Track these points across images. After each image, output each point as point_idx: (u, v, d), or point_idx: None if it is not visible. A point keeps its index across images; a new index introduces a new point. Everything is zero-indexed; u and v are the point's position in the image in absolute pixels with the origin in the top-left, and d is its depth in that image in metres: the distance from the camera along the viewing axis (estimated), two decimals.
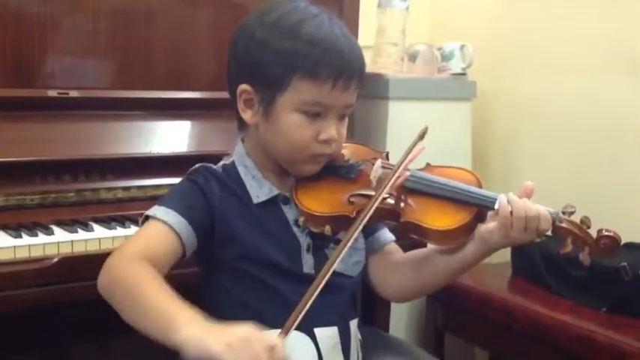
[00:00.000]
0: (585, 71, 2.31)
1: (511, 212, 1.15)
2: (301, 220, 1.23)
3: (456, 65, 2.43)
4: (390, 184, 1.19)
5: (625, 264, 1.86)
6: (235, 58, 1.25)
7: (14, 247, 1.44)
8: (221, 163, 1.29)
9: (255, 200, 1.24)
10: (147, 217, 1.19)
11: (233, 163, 1.28)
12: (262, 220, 1.23)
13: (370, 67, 2.38)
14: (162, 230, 1.16)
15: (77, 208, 1.66)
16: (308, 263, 1.23)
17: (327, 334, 1.23)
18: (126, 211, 1.67)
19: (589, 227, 1.21)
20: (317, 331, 1.22)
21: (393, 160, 1.32)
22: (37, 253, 1.45)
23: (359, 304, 1.79)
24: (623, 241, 1.22)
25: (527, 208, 1.16)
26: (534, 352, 1.97)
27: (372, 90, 2.31)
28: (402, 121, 2.29)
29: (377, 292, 1.34)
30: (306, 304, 1.05)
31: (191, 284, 1.21)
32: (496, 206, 1.19)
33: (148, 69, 1.87)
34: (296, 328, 1.14)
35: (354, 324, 1.30)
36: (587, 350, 1.81)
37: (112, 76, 1.81)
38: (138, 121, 1.79)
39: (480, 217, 1.22)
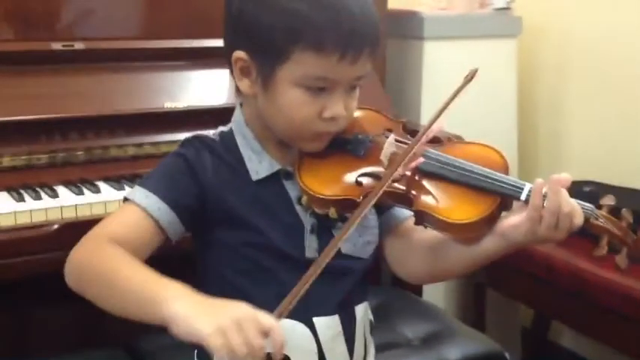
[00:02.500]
0: None
1: (543, 205, 1.00)
2: (304, 199, 1.10)
3: None
4: (400, 166, 1.04)
5: None
6: (229, 18, 1.10)
7: (15, 212, 1.39)
8: (219, 129, 1.17)
9: (254, 177, 1.11)
10: (126, 200, 1.10)
11: (231, 131, 1.16)
12: (261, 197, 1.10)
13: (405, 4, 2.23)
14: (139, 216, 1.05)
15: (87, 166, 1.59)
16: (311, 246, 1.11)
17: (328, 324, 1.12)
18: (139, 169, 1.59)
19: (630, 223, 1.05)
20: (316, 320, 1.10)
21: (424, 123, 1.15)
22: (39, 218, 1.40)
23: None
24: None
25: (563, 202, 1.00)
26: (580, 311, 1.85)
27: (406, 30, 2.16)
28: (439, 63, 2.14)
29: (394, 272, 1.21)
30: (304, 286, 0.95)
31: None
32: (523, 197, 1.03)
33: (159, 15, 1.77)
34: (293, 318, 1.05)
35: (361, 309, 1.17)
36: (634, 311, 1.68)
37: (119, 25, 1.71)
38: (149, 74, 1.69)
39: (503, 207, 1.07)
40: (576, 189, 2.12)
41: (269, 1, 1.03)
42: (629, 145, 2.17)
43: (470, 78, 1.14)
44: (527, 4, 2.29)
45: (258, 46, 1.05)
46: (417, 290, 1.91)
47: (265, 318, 0.90)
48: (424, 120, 2.12)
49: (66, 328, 1.68)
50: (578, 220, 1.01)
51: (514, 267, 1.99)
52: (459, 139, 1.83)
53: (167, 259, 1.12)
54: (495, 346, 1.58)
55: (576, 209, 1.01)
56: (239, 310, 0.90)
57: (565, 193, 1.01)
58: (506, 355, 1.56)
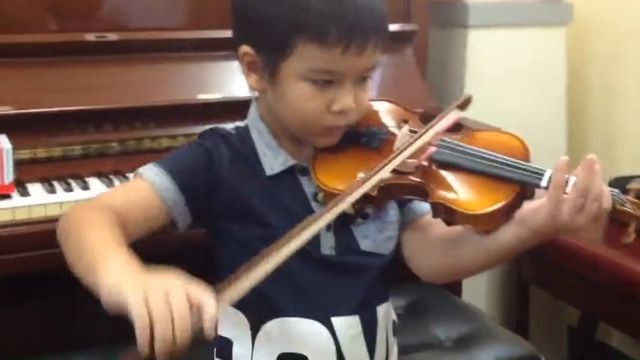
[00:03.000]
0: None
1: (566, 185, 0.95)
2: (320, 195, 1.07)
3: None
4: (408, 149, 1.01)
5: None
6: (235, 12, 1.09)
7: (45, 204, 1.39)
8: (235, 124, 1.15)
9: (269, 172, 1.09)
10: (137, 176, 1.09)
11: (247, 126, 1.14)
12: (276, 192, 1.09)
13: None
14: (145, 190, 1.05)
15: (121, 158, 1.59)
16: (327, 243, 1.08)
17: (347, 324, 1.09)
18: None
19: None
20: (334, 320, 1.08)
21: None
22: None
23: None
24: None
25: (592, 182, 0.94)
26: (626, 313, 1.78)
27: (449, 17, 2.10)
28: (483, 53, 2.07)
29: (411, 269, 1.17)
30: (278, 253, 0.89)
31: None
32: (543, 183, 0.98)
33: (196, 5, 1.75)
34: (311, 317, 1.02)
35: (382, 309, 1.13)
36: None
37: (153, 16, 1.69)
38: (182, 65, 1.68)
39: (523, 196, 1.02)
40: (627, 184, 2.05)
41: None
42: None
43: (463, 104, 1.12)
44: None
45: (263, 41, 1.03)
46: (456, 289, 1.86)
47: (196, 290, 0.83)
48: (466, 111, 2.06)
49: (99, 320, 1.68)
50: (607, 201, 0.96)
51: (558, 264, 1.93)
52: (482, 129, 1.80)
53: (189, 255, 1.11)
54: (531, 349, 1.52)
55: (606, 194, 0.96)
56: (169, 279, 0.84)
57: (599, 175, 0.95)
58: (543, 358, 1.50)
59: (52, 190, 1.43)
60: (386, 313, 1.15)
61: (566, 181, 0.95)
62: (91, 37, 1.59)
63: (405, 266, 1.17)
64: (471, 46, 2.07)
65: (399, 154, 1.02)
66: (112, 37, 1.60)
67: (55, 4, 1.60)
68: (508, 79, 2.12)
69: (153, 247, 1.45)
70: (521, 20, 2.12)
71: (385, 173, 1.00)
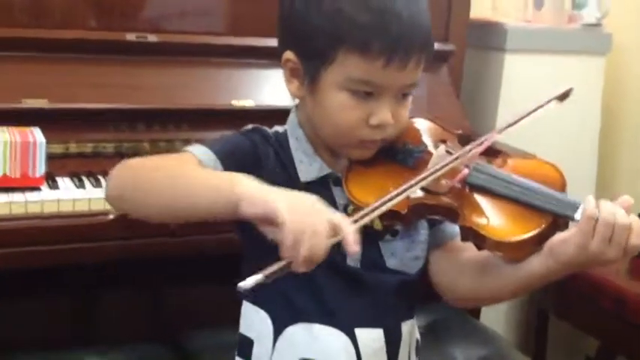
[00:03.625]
0: None
1: (599, 213, 0.94)
2: (350, 208, 1.07)
3: (589, 14, 2.16)
4: (442, 169, 1.00)
5: None
6: (281, 18, 1.10)
7: (74, 199, 1.40)
8: (274, 129, 1.15)
9: (304, 179, 1.09)
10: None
11: (286, 132, 1.14)
12: None
13: (488, 14, 2.16)
14: (193, 162, 1.04)
15: None
16: (354, 255, 1.07)
17: (371, 337, 1.08)
18: None
19: None
20: (358, 332, 1.07)
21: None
22: (97, 206, 1.40)
23: None
24: None
25: (618, 214, 0.93)
26: None
27: (488, 40, 2.09)
28: (519, 77, 2.06)
29: (437, 293, 1.16)
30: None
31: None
32: (577, 216, 0.96)
33: (236, 12, 1.76)
34: (334, 326, 1.03)
35: (407, 326, 1.12)
36: None
37: (195, 19, 1.71)
38: (219, 70, 1.69)
39: (556, 227, 0.99)
40: None
41: (317, 2, 1.01)
42: None
43: (561, 97, 1.08)
44: (618, 21, 2.18)
45: (306, 48, 1.04)
46: (475, 311, 1.84)
47: (338, 215, 0.91)
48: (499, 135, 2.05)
49: (118, 316, 1.70)
50: (637, 238, 0.93)
51: (580, 295, 1.90)
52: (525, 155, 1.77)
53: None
54: None
55: (635, 225, 0.94)
56: (313, 199, 0.91)
57: (621, 208, 0.94)
58: None
59: (82, 186, 1.44)
60: (410, 330, 1.14)
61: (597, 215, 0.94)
62: (131, 36, 1.60)
63: (427, 285, 1.17)
64: (507, 69, 2.06)
65: (432, 173, 1.01)
66: (152, 38, 1.61)
67: (98, 1, 1.62)
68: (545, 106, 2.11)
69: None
70: (559, 47, 2.11)
71: (415, 190, 1.00)
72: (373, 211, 0.96)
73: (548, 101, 1.10)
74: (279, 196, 0.90)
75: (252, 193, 0.91)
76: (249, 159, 1.08)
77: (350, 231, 0.89)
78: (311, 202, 0.90)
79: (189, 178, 0.99)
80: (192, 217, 1.03)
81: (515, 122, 1.09)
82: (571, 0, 2.15)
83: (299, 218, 0.87)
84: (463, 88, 1.99)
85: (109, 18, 1.63)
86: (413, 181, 1.00)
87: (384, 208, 0.96)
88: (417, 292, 1.15)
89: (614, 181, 2.34)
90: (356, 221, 0.93)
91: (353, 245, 0.89)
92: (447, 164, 1.02)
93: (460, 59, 1.94)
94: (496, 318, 2.09)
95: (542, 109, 1.10)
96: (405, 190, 0.99)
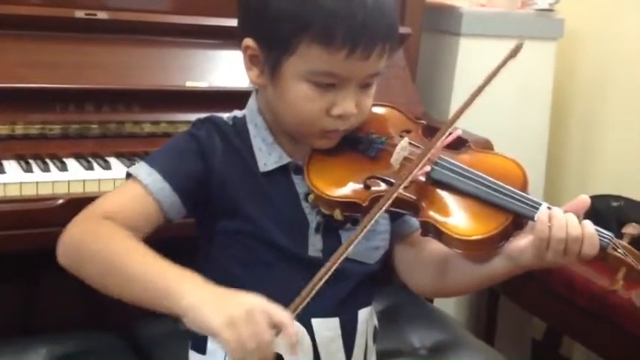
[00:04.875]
0: None
1: (550, 230, 0.94)
2: (311, 197, 1.05)
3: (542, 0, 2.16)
4: (411, 175, 0.98)
5: None
6: (241, 3, 1.05)
7: (21, 183, 1.35)
8: (233, 114, 1.12)
9: (262, 168, 1.06)
10: (129, 175, 1.05)
11: (245, 117, 1.11)
12: (268, 190, 1.06)
13: None
14: (140, 194, 1.01)
15: (101, 141, 1.55)
16: (315, 245, 1.06)
17: (326, 326, 1.07)
18: (154, 147, 1.51)
19: None
20: (314, 321, 1.06)
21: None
22: (45, 190, 1.36)
23: None
24: None
25: (570, 227, 0.93)
26: (597, 332, 1.79)
27: (443, 24, 2.09)
28: (473, 61, 2.06)
29: (402, 280, 1.16)
30: (313, 287, 0.91)
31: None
32: (536, 217, 0.96)
33: None
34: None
35: (364, 313, 1.12)
36: None
37: None
38: (173, 50, 1.64)
39: (516, 226, 0.99)
40: (604, 203, 2.06)
41: None
42: None
43: (513, 53, 1.07)
44: (570, 7, 2.20)
45: (267, 36, 1.00)
46: None
47: (278, 311, 0.87)
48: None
49: (69, 304, 1.65)
50: (589, 248, 0.94)
51: (531, 278, 1.92)
52: (483, 146, 1.77)
53: (164, 243, 1.08)
54: None
55: (588, 236, 0.94)
56: (251, 301, 0.87)
57: (573, 218, 0.95)
58: None
59: (29, 169, 1.39)
60: (367, 317, 1.13)
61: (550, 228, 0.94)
62: (80, 13, 1.54)
63: (382, 270, 1.16)
64: (462, 53, 2.06)
65: (415, 168, 0.99)
66: (102, 15, 1.56)
67: None
68: (495, 89, 2.11)
69: None
70: (512, 32, 2.10)
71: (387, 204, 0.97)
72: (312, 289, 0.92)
73: (504, 62, 1.08)
74: (215, 312, 0.86)
75: (192, 309, 0.88)
76: (194, 161, 1.05)
77: (292, 334, 0.87)
78: (249, 308, 0.86)
79: (128, 275, 0.94)
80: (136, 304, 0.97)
81: (478, 91, 1.07)
82: None
83: (239, 336, 0.85)
84: (418, 72, 1.99)
85: None
86: (399, 182, 0.98)
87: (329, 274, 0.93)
88: (375, 282, 1.15)
89: (564, 162, 2.38)
90: (296, 308, 0.90)
91: (293, 346, 0.88)
92: (417, 164, 0.99)
93: (416, 43, 1.93)
94: (448, 299, 2.10)
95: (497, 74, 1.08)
96: (396, 190, 0.97)
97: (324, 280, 0.92)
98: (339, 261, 0.93)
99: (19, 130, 1.48)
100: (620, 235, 0.98)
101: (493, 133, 1.87)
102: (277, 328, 0.86)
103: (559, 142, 2.36)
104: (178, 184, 1.02)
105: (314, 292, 0.91)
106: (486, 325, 2.19)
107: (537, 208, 0.96)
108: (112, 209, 1.00)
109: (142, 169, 1.03)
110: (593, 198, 2.02)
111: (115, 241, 0.96)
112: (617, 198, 2.02)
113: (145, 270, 0.93)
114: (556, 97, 2.25)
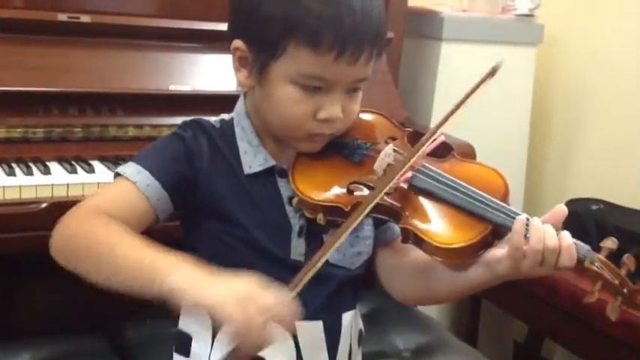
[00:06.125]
0: None
1: (527, 241, 0.94)
2: (295, 200, 1.05)
3: (522, 5, 2.18)
4: (392, 182, 0.98)
5: None
6: (232, 2, 1.06)
7: (4, 187, 1.34)
8: (221, 116, 1.12)
9: (247, 170, 1.06)
10: (117, 175, 1.05)
11: (232, 120, 1.11)
12: (252, 193, 1.06)
13: (425, 3, 2.17)
14: (129, 191, 1.01)
15: (84, 144, 1.55)
16: (297, 249, 1.06)
17: (309, 329, 1.06)
18: (137, 151, 1.52)
19: (630, 272, 0.96)
20: (298, 325, 1.05)
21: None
22: (28, 194, 1.35)
23: None
24: None
25: (547, 239, 0.94)
26: (578, 334, 1.80)
27: (424, 29, 2.10)
28: (455, 66, 2.08)
29: (383, 287, 1.16)
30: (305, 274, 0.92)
31: None
32: (512, 228, 0.96)
33: None
34: None
35: (348, 316, 1.12)
36: (634, 338, 1.63)
37: (130, 1, 1.66)
38: (156, 53, 1.64)
39: (495, 236, 0.99)
40: (583, 207, 2.08)
41: None
42: None
43: (491, 73, 1.07)
44: (550, 13, 2.22)
45: (256, 37, 1.00)
46: None
47: (273, 294, 0.87)
48: (434, 122, 2.06)
49: (52, 308, 1.64)
50: (566, 260, 0.94)
51: (514, 283, 1.94)
52: (465, 150, 1.78)
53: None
54: None
55: (565, 246, 0.94)
56: (246, 284, 0.87)
57: (550, 229, 0.95)
58: None
59: (12, 173, 1.38)
60: (352, 320, 1.13)
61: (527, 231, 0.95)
62: (63, 17, 1.54)
63: (365, 274, 1.16)
64: (444, 58, 2.07)
65: (397, 175, 0.98)
66: (85, 18, 1.55)
67: None
68: (476, 93, 2.14)
69: None
70: (493, 37, 2.14)
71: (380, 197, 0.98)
72: (307, 272, 0.93)
73: (481, 81, 1.09)
74: (218, 290, 0.86)
75: (187, 288, 0.87)
76: (182, 161, 1.04)
77: (288, 316, 0.88)
78: (245, 291, 0.86)
79: (119, 264, 0.93)
80: (125, 291, 0.95)
81: (455, 110, 1.06)
82: None
83: (234, 315, 0.84)
84: (400, 76, 2.00)
85: None
86: (380, 187, 0.98)
87: (318, 265, 0.93)
88: (359, 285, 1.15)
89: (544, 165, 2.41)
90: (295, 286, 0.91)
91: (292, 327, 0.90)
92: (399, 171, 0.99)
93: (398, 48, 1.94)
94: None
95: (477, 92, 1.09)
96: (376, 196, 0.97)
97: (322, 262, 0.93)
98: (317, 267, 0.93)
99: (1, 133, 1.48)
100: (597, 250, 0.98)
101: (474, 137, 1.88)
102: (275, 313, 0.86)
103: (539, 145, 2.38)
104: (167, 181, 1.02)
105: (312, 272, 0.92)
106: (469, 327, 2.20)
107: (515, 219, 0.96)
108: (102, 205, 1.00)
109: (129, 167, 1.03)
110: (573, 201, 2.07)
111: (105, 233, 0.95)
112: (597, 201, 2.05)
113: (135, 257, 0.92)
114: (536, 101, 2.28)
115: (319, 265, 0.93)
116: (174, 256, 0.91)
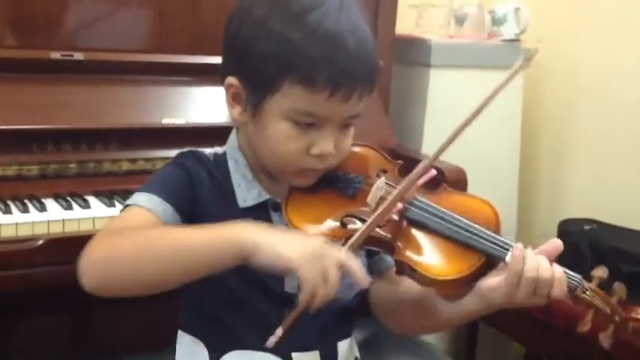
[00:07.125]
0: None
1: (523, 268, 0.96)
2: None
3: (508, 30, 2.21)
4: (382, 214, 1.00)
5: None
6: (226, 41, 1.08)
7: (0, 224, 1.34)
8: (213, 150, 1.14)
9: (242, 204, 1.08)
10: (127, 206, 1.06)
11: (225, 153, 1.13)
12: None
13: (413, 30, 2.20)
14: (146, 217, 1.01)
15: (79, 180, 1.55)
16: (292, 282, 1.07)
17: (307, 359, 1.08)
18: (132, 185, 1.53)
19: (622, 299, 0.99)
20: (295, 355, 1.07)
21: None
22: (25, 232, 1.35)
23: None
24: None
25: (541, 269, 0.96)
26: (575, 354, 1.80)
27: (413, 56, 2.13)
28: (444, 92, 2.11)
29: (377, 318, 1.17)
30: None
31: None
32: (508, 258, 0.99)
33: (162, 29, 1.73)
34: (271, 352, 1.02)
35: (344, 345, 1.13)
36: (633, 358, 1.63)
37: (121, 37, 1.67)
38: (149, 88, 1.66)
39: (488, 267, 1.02)
40: (577, 227, 2.10)
41: (265, 28, 1.00)
42: (634, 186, 2.13)
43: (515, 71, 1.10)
44: (536, 37, 2.25)
45: (250, 75, 1.03)
46: None
47: (337, 252, 0.92)
48: (425, 148, 2.09)
49: (44, 342, 1.64)
50: (559, 290, 0.97)
51: None
52: (457, 175, 1.80)
53: None
54: None
55: (558, 278, 0.97)
56: (318, 242, 0.92)
57: (544, 260, 0.97)
58: None
59: (8, 211, 1.39)
60: (347, 349, 1.14)
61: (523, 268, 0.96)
62: (56, 55, 1.56)
63: (361, 303, 1.17)
64: (432, 84, 2.10)
65: (388, 207, 1.01)
66: (78, 56, 1.57)
67: (21, 18, 1.57)
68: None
69: None
70: (481, 62, 2.16)
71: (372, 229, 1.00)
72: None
73: (473, 116, 1.11)
74: (288, 246, 0.90)
75: (264, 246, 0.91)
76: (187, 188, 1.06)
77: (358, 268, 0.92)
78: (318, 246, 0.91)
79: (184, 244, 0.95)
80: (189, 278, 0.98)
81: (448, 141, 1.09)
82: (491, 16, 2.21)
83: (311, 268, 0.89)
84: (390, 103, 2.02)
85: (32, 35, 1.58)
86: (372, 220, 1.00)
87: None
88: (353, 315, 1.16)
89: (536, 189, 2.43)
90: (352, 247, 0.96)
91: (364, 281, 0.94)
92: (390, 203, 1.01)
93: (387, 75, 1.97)
94: None
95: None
96: (366, 227, 0.99)
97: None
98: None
99: None
100: (588, 279, 1.00)
101: (465, 160, 1.90)
102: (344, 269, 0.91)
103: (530, 167, 2.40)
104: (178, 205, 1.03)
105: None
106: (466, 351, 2.20)
107: (508, 250, 0.99)
108: (122, 225, 1.01)
109: (140, 196, 1.04)
110: (566, 222, 2.08)
111: (147, 230, 0.97)
112: (590, 221, 2.06)
113: (198, 232, 0.95)
114: (525, 124, 2.30)
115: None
116: (237, 223, 0.95)
